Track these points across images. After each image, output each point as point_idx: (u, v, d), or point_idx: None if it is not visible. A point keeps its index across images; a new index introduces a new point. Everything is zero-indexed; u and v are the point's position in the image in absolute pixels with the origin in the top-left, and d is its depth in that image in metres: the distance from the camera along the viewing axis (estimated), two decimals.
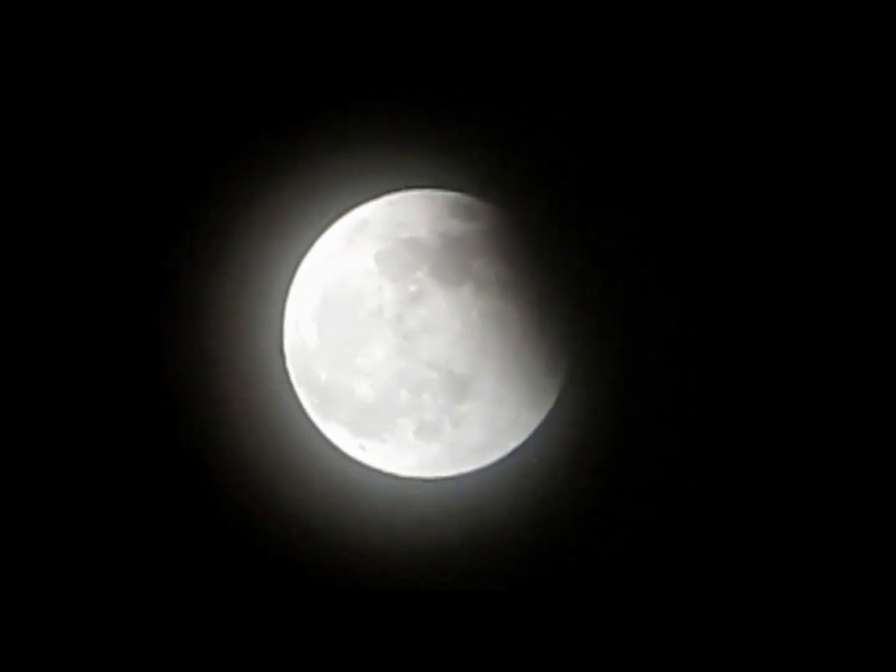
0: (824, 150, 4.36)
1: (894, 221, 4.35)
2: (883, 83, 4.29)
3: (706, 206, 4.39)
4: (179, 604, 4.44)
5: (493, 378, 4.10)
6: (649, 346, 4.46)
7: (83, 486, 4.45)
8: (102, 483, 4.45)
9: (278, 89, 4.37)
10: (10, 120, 4.32)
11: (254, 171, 4.43)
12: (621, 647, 4.45)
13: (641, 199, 4.40)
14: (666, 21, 4.33)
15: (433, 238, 4.15)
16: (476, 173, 4.37)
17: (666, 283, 4.42)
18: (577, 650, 4.45)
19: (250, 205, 4.44)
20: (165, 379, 4.48)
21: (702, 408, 4.43)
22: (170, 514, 4.48)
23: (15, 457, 4.40)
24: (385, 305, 4.06)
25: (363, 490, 4.47)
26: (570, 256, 4.33)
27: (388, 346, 4.04)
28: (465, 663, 4.46)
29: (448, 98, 4.36)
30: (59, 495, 4.44)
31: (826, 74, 4.31)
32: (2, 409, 4.39)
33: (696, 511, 4.46)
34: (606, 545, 4.51)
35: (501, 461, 4.39)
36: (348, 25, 4.34)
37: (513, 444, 4.35)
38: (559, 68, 4.35)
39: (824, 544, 4.41)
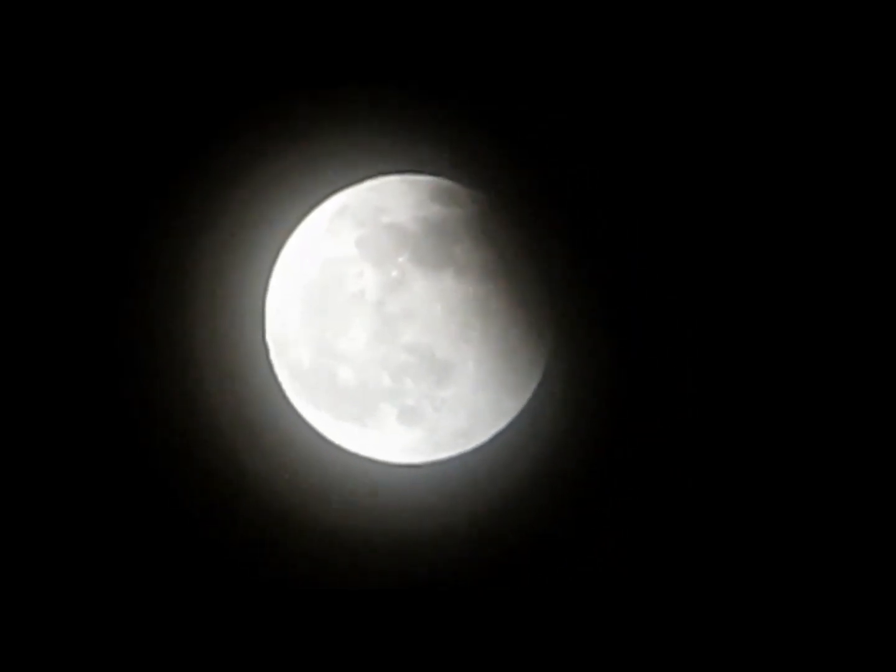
0: (824, 153, 4.37)
1: (894, 221, 4.37)
2: (883, 83, 4.30)
3: (690, 194, 4.40)
4: (162, 598, 4.43)
5: (475, 363, 4.10)
6: (632, 331, 4.47)
7: (62, 482, 4.43)
8: (81, 475, 4.44)
9: (255, 78, 4.35)
10: None
11: (233, 158, 4.42)
12: (607, 635, 4.47)
13: (625, 185, 4.41)
14: (651, 9, 4.33)
15: (414, 223, 4.15)
16: (457, 158, 4.37)
17: (649, 268, 4.43)
18: (563, 638, 4.47)
19: (231, 191, 4.42)
20: (146, 367, 4.47)
21: (686, 394, 4.45)
22: (151, 503, 4.48)
23: None
24: (366, 290, 4.06)
25: (345, 475, 4.47)
26: (552, 241, 4.33)
27: (370, 332, 4.04)
28: (445, 652, 4.47)
29: (428, 83, 4.35)
30: (32, 486, 4.43)
31: (826, 75, 4.32)
32: None
33: (683, 497, 4.47)
34: (590, 530, 4.52)
35: (483, 446, 4.40)
36: (327, 13, 4.32)
37: (494, 430, 4.36)
38: (541, 53, 4.34)
39: (816, 537, 4.43)
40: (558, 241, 4.34)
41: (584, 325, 4.41)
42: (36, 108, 4.34)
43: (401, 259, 4.07)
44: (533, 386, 4.35)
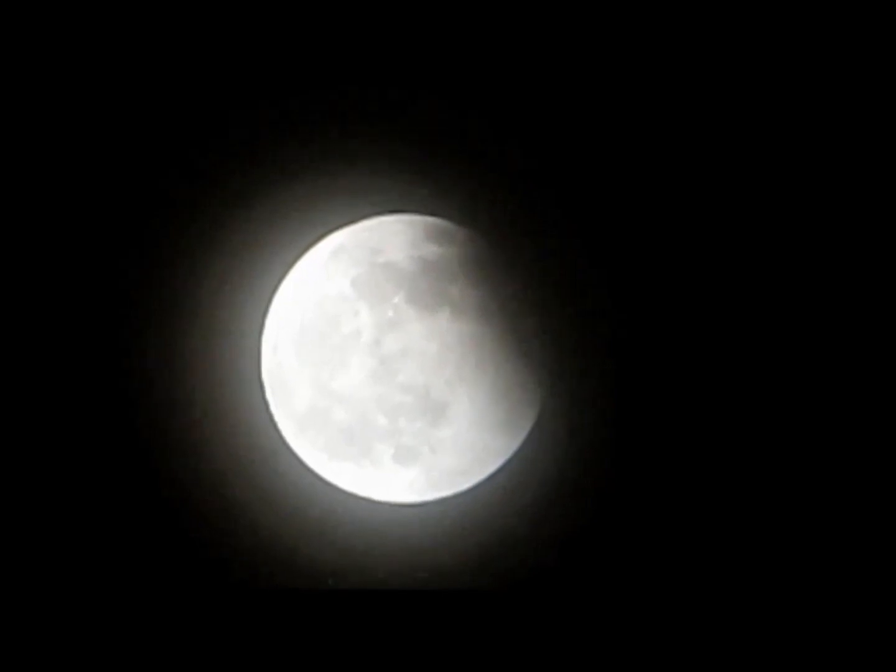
0: (824, 153, 4.37)
1: (893, 222, 4.36)
2: (883, 83, 4.30)
3: (690, 234, 4.40)
4: (154, 629, 4.41)
5: (470, 403, 4.10)
6: (628, 369, 4.46)
7: (56, 512, 4.42)
8: (77, 508, 4.42)
9: (253, 115, 4.38)
10: None
11: (230, 196, 4.43)
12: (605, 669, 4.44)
13: (620, 225, 4.41)
14: (649, 49, 4.36)
15: (410, 263, 4.16)
16: (452, 198, 4.38)
17: (644, 309, 4.43)
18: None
19: (228, 229, 4.44)
20: (142, 405, 4.46)
21: (680, 432, 4.43)
22: (146, 540, 4.46)
23: None
24: (362, 330, 4.07)
25: (341, 514, 4.46)
26: (547, 281, 4.34)
27: (365, 371, 4.04)
28: None
29: (424, 124, 4.38)
30: (30, 517, 4.41)
31: (825, 75, 4.33)
32: None
33: (677, 533, 4.45)
34: (588, 567, 4.50)
35: (479, 485, 4.38)
36: (326, 52, 4.35)
37: (490, 469, 4.35)
38: (537, 96, 4.37)
39: (816, 558, 4.41)
40: (553, 280, 4.35)
41: (579, 363, 4.41)
42: (36, 149, 4.36)
43: (396, 299, 4.07)
44: (528, 425, 4.34)
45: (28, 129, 4.37)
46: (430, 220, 4.34)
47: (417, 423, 4.09)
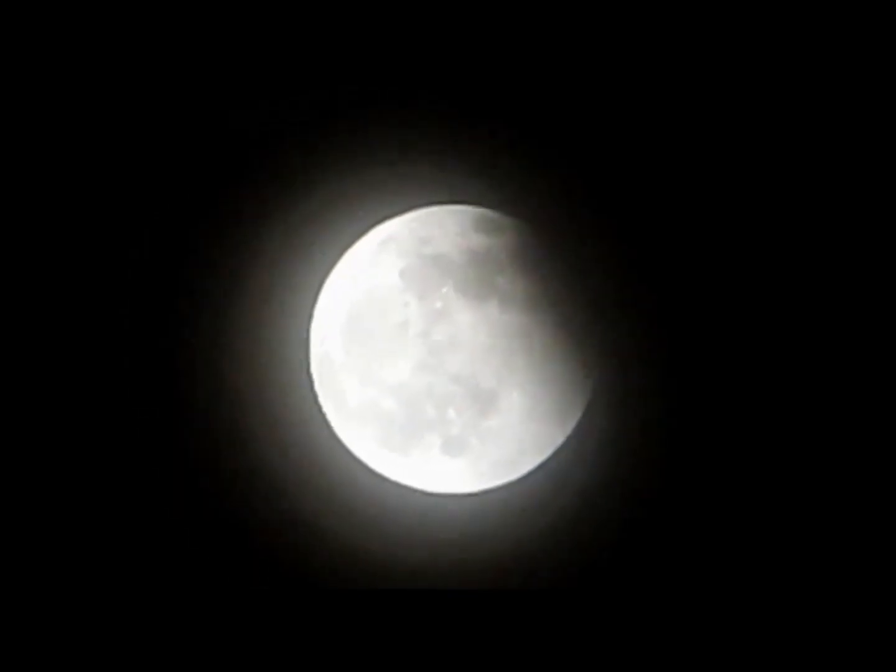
0: (827, 158, 4.34)
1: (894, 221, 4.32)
2: (883, 84, 4.26)
3: (735, 219, 4.37)
4: (200, 616, 4.45)
5: (519, 393, 4.10)
6: (676, 360, 4.44)
7: (107, 507, 4.47)
8: (125, 504, 4.47)
9: (300, 106, 4.40)
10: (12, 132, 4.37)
11: (278, 187, 4.46)
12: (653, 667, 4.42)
13: (668, 214, 4.39)
14: (689, 40, 4.33)
15: (458, 253, 4.17)
16: (500, 188, 4.38)
17: (694, 298, 4.40)
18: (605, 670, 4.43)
19: (275, 221, 4.47)
20: (190, 395, 4.51)
21: (733, 422, 4.40)
22: (194, 530, 4.50)
23: (30, 474, 4.43)
24: (410, 321, 4.08)
25: (388, 505, 4.47)
26: (596, 271, 4.32)
27: (414, 362, 4.06)
28: None
29: (472, 113, 4.38)
30: (83, 512, 4.47)
31: (826, 75, 4.29)
32: (20, 428, 4.43)
33: (728, 525, 4.42)
34: (636, 562, 4.48)
35: (528, 476, 4.38)
36: (370, 42, 4.36)
37: (539, 459, 4.35)
38: (584, 84, 4.35)
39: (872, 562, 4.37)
40: (602, 270, 4.33)
41: (628, 353, 4.39)
42: (78, 155, 4.42)
43: (445, 289, 4.08)
44: (577, 415, 4.33)
45: (94, 126, 4.42)
46: (478, 210, 4.34)
47: (466, 414, 4.09)
